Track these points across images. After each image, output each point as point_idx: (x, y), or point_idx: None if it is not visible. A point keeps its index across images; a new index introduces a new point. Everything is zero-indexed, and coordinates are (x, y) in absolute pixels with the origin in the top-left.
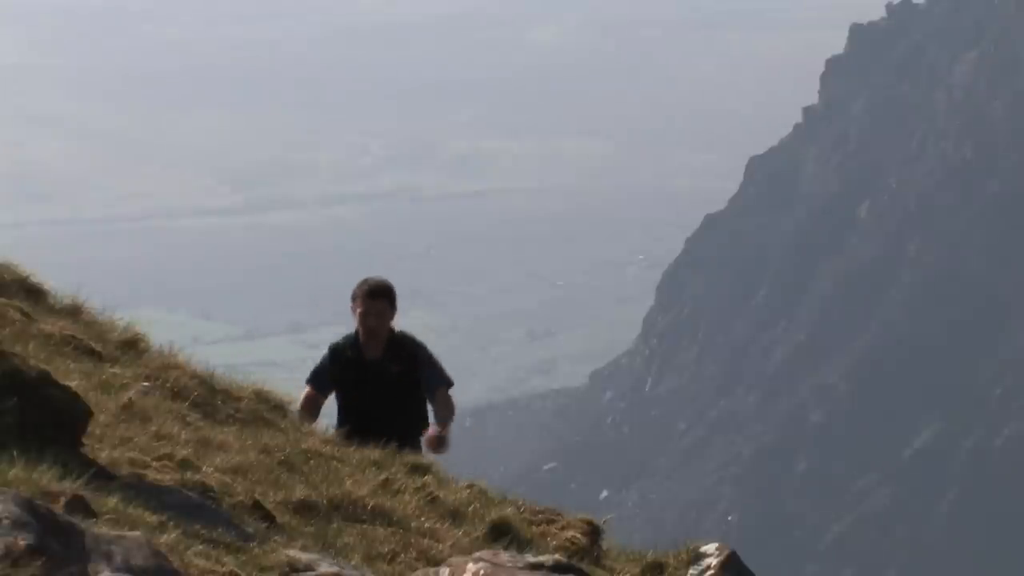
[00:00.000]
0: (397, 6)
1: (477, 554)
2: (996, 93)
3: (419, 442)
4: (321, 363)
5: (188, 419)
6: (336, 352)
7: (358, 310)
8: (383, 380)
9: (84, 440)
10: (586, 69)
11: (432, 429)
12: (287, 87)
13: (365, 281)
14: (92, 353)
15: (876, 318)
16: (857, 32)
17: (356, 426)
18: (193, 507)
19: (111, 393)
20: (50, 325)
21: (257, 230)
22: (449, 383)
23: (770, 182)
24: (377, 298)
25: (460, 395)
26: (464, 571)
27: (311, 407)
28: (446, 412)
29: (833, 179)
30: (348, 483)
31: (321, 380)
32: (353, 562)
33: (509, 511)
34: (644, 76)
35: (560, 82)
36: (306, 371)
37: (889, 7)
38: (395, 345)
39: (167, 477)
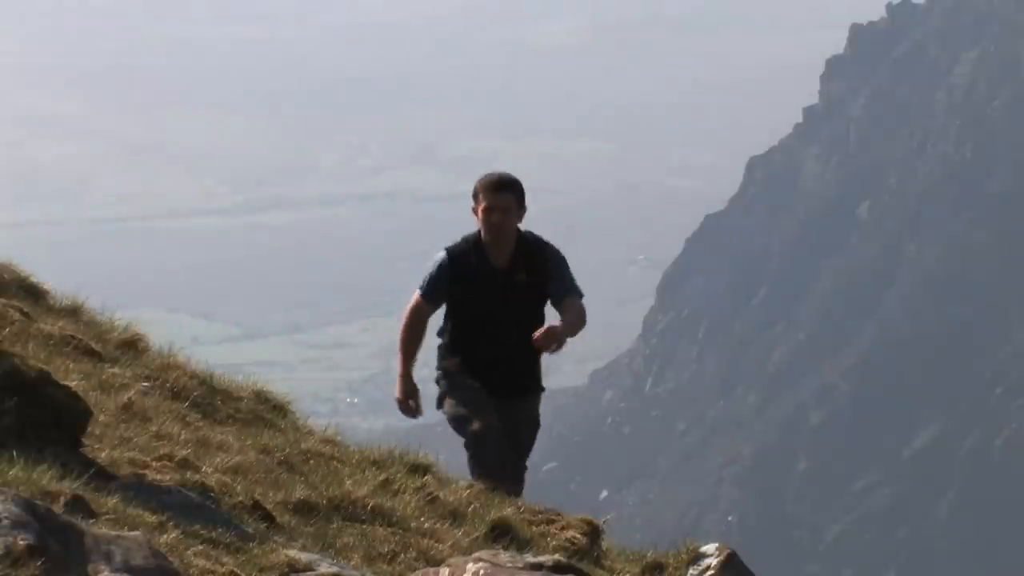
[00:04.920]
0: (397, 6)
1: (477, 554)
2: (996, 93)
3: (535, 364)
4: (438, 269)
5: (188, 419)
6: (456, 257)
7: (481, 206)
8: (510, 292)
9: (84, 440)
10: (586, 69)
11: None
12: (287, 87)
13: (488, 173)
14: (92, 353)
15: (876, 318)
16: (857, 32)
17: (476, 345)
18: (193, 507)
19: (111, 393)
20: (50, 325)
21: (257, 230)
22: (580, 293)
23: (770, 182)
24: (502, 191)
25: None
26: (464, 571)
27: (418, 322)
28: (575, 318)
29: (833, 179)
30: (348, 483)
31: (436, 289)
32: (353, 562)
33: (509, 511)
34: (645, 76)
35: (560, 82)
36: (306, 371)
37: (889, 7)
38: (523, 250)
39: (167, 477)
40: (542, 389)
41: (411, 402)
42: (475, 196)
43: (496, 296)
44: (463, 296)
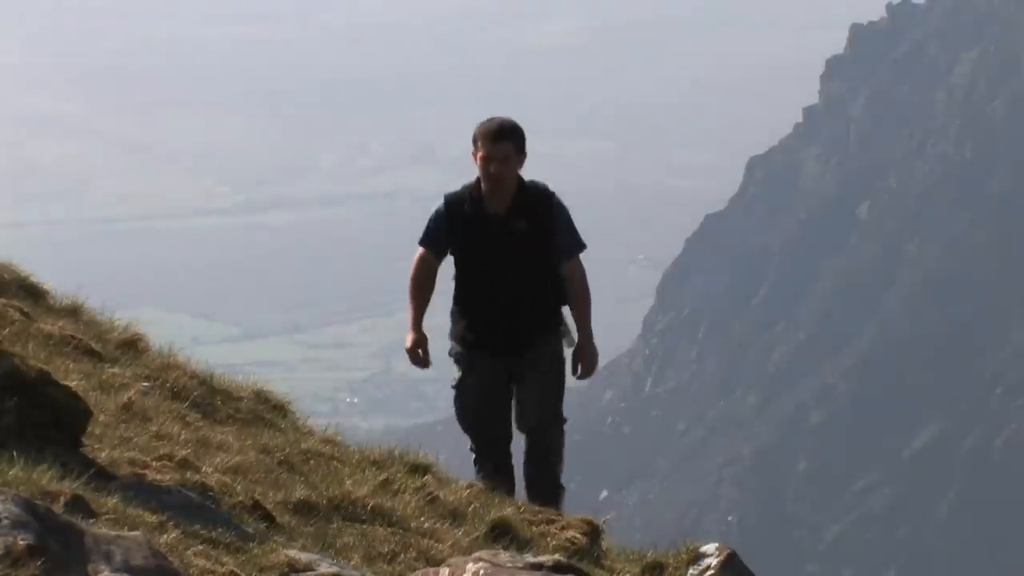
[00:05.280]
0: (397, 6)
1: (477, 554)
2: (996, 93)
3: (557, 321)
4: (435, 217)
5: (188, 419)
6: (452, 204)
7: (479, 154)
8: (510, 240)
9: (84, 440)
10: (586, 69)
11: (577, 348)
12: (287, 87)
13: (489, 120)
14: (92, 353)
15: (876, 318)
16: (857, 32)
17: (478, 298)
18: (193, 507)
19: (111, 393)
20: (50, 325)
21: (257, 230)
22: (579, 247)
23: (770, 182)
24: (501, 140)
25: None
26: (464, 571)
27: (424, 272)
28: (579, 296)
29: (833, 179)
30: (348, 483)
31: (436, 238)
32: (353, 562)
33: (509, 511)
34: (645, 76)
35: (560, 82)
36: (306, 371)
37: (889, 7)
38: (524, 198)
39: (167, 477)
40: (562, 332)
41: (420, 351)
42: (474, 142)
43: (493, 243)
44: (463, 244)
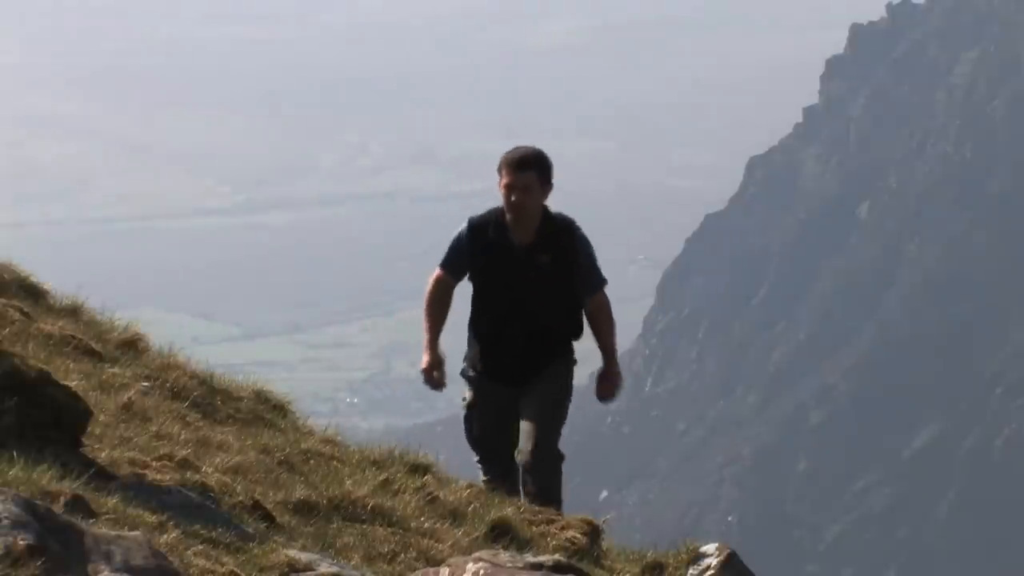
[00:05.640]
0: (397, 6)
1: (477, 554)
2: (996, 93)
3: (569, 352)
4: (457, 240)
5: (188, 419)
6: (476, 229)
7: (502, 182)
8: (531, 272)
9: (84, 440)
10: (586, 69)
11: (602, 372)
12: (287, 87)
13: (514, 149)
14: (92, 353)
15: (876, 318)
16: (857, 32)
17: (494, 326)
18: (193, 507)
19: (111, 393)
20: (50, 325)
21: (257, 230)
22: (602, 283)
23: (770, 182)
24: (524, 169)
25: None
26: (464, 571)
27: (440, 293)
28: (605, 327)
29: (833, 179)
30: (348, 483)
31: (456, 261)
32: (353, 562)
33: (509, 511)
34: (644, 76)
35: (560, 82)
36: (306, 371)
37: (889, 7)
38: (549, 230)
39: (167, 477)
40: (573, 361)
41: (435, 373)
42: (499, 169)
43: (516, 273)
44: (484, 269)
